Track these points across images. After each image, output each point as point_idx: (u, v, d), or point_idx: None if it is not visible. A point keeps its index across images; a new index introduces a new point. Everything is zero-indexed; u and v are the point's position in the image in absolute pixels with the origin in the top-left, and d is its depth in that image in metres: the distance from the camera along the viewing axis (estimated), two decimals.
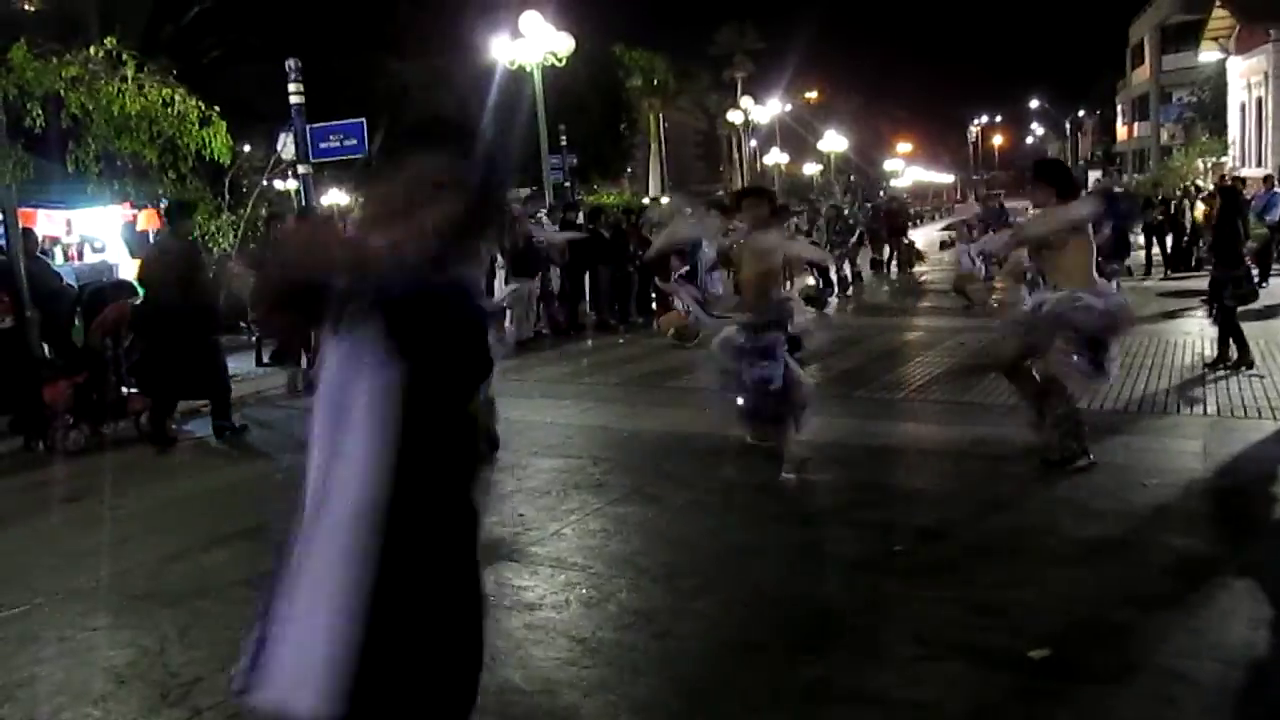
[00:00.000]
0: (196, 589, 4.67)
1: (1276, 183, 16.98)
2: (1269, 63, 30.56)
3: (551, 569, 4.73)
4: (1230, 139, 33.75)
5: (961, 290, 14.66)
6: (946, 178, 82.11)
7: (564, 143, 23.41)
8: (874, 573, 4.52)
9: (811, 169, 51.54)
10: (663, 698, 3.49)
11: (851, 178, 54.45)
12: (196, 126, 9.54)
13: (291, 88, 10.99)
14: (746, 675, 3.62)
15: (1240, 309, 8.67)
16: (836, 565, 4.67)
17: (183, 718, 3.46)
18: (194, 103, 9.53)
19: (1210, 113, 35.75)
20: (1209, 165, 31.09)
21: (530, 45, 17.23)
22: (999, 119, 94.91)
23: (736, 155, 48.53)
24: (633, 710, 3.40)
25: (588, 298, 14.39)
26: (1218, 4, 33.41)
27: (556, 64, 17.64)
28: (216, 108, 9.80)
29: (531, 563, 4.84)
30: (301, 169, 11.78)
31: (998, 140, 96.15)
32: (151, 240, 10.81)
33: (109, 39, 9.29)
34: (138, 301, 8.22)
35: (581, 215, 15.65)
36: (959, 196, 54.49)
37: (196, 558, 5.14)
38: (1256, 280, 9.01)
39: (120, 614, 4.43)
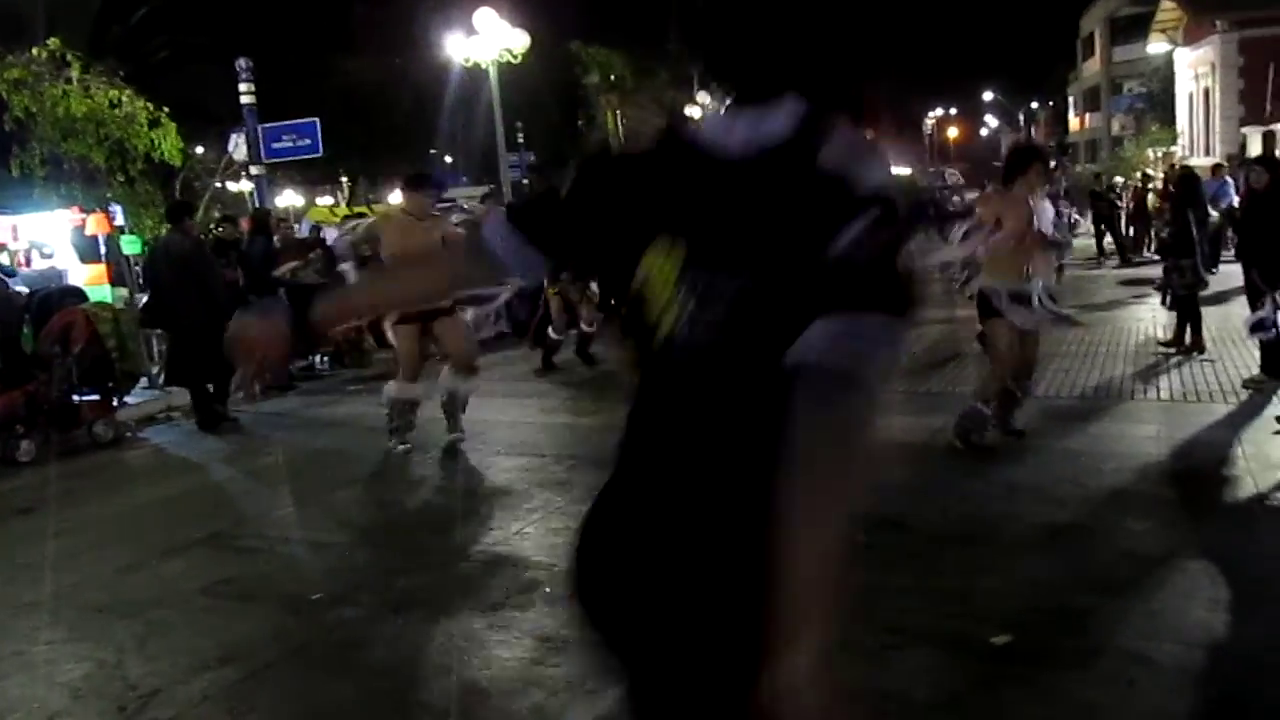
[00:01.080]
0: (154, 599, 4.59)
1: (1226, 172, 17.30)
2: (1215, 54, 31.12)
3: (515, 568, 4.70)
4: (1179, 129, 34.32)
5: None
6: (904, 171, 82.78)
7: (521, 140, 23.35)
8: (841, 564, 4.53)
9: None
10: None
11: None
12: (145, 128, 9.41)
13: (243, 87, 10.87)
14: None
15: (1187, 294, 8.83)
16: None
17: None
18: (142, 104, 9.39)
19: (1160, 103, 36.34)
20: (1159, 155, 31.57)
21: (485, 43, 17.14)
22: (954, 112, 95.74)
23: None
24: (599, 707, 3.38)
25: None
26: None
27: (512, 61, 17.56)
28: (166, 109, 9.67)
29: (495, 562, 4.80)
30: (254, 170, 11.65)
31: (953, 133, 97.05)
32: (111, 242, 10.62)
33: (53, 40, 9.14)
34: (86, 306, 8.12)
35: None
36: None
37: (153, 567, 5.05)
38: (1206, 268, 9.12)
39: (76, 626, 4.34)
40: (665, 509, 1.47)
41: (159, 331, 9.96)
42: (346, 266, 7.30)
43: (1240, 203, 12.28)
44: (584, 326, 10.29)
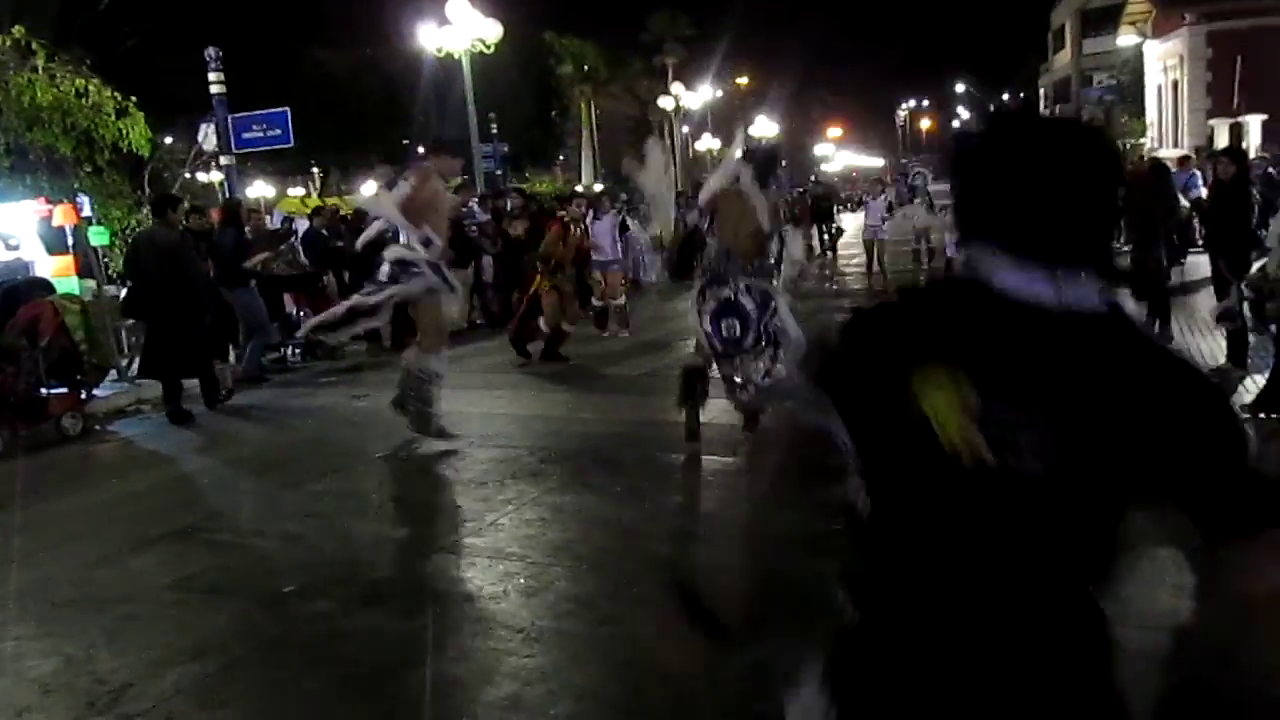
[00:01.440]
0: (124, 594, 4.55)
1: (1194, 164, 17.47)
2: (1184, 46, 31.41)
3: (489, 559, 4.70)
4: (1149, 120, 34.64)
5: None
6: (877, 161, 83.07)
7: (495, 131, 23.27)
8: (813, 553, 4.55)
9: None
10: (603, 684, 3.48)
11: (784, 162, 54.86)
12: (113, 118, 9.30)
13: (212, 77, 10.76)
14: (686, 659, 3.62)
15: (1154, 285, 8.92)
16: (776, 546, 4.70)
17: None
18: (109, 93, 9.27)
19: (1129, 95, 36.67)
20: (1128, 146, 31.86)
21: (458, 33, 17.03)
22: (926, 103, 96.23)
23: (669, 141, 48.63)
24: (573, 698, 3.39)
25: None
26: None
27: (485, 52, 17.46)
28: (134, 98, 9.55)
29: (469, 553, 4.80)
30: (224, 160, 11.54)
31: (925, 124, 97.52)
32: (79, 233, 10.49)
33: (18, 28, 8.99)
34: (54, 298, 8.03)
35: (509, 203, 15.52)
36: (887, 180, 55.23)
37: (123, 562, 5.01)
38: (1171, 260, 9.21)
39: (45, 621, 4.30)
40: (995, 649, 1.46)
41: (129, 323, 9.87)
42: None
43: (1208, 194, 12.42)
44: (566, 325, 10.24)
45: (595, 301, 12.11)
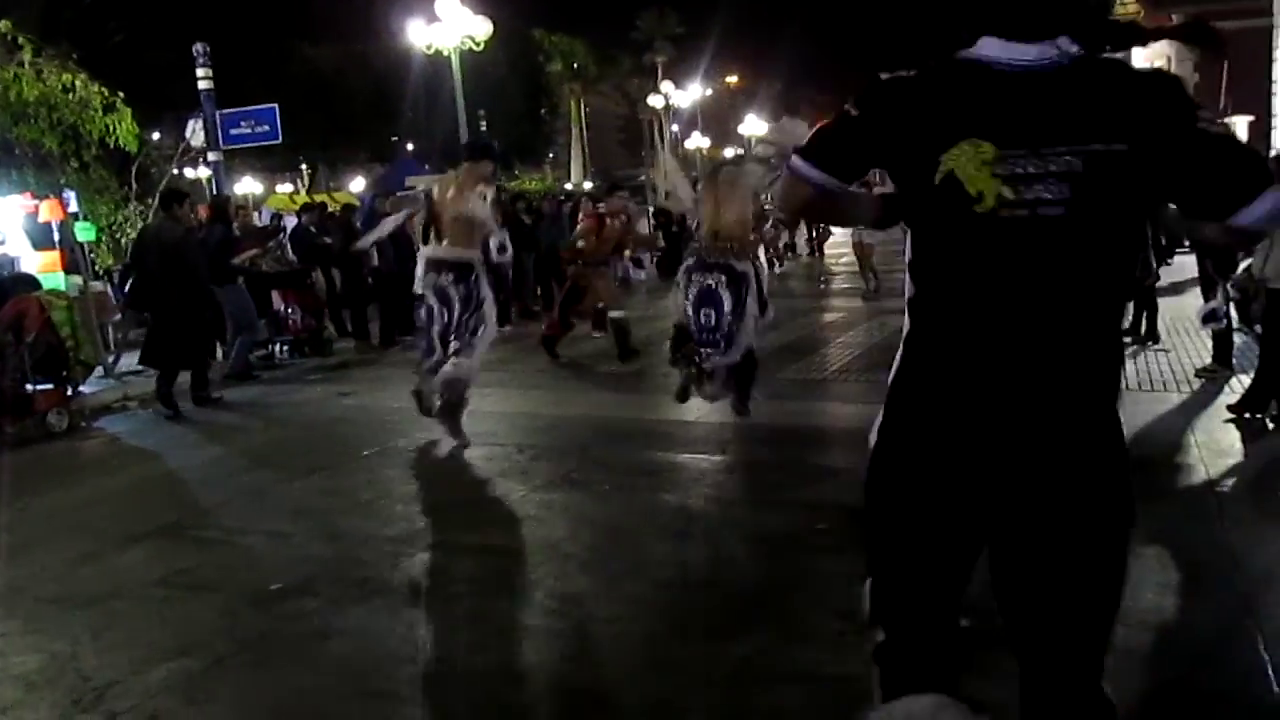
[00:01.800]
0: (110, 590, 4.53)
1: None
2: (1171, 47, 31.42)
3: (477, 557, 4.70)
4: None
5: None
6: None
7: (484, 128, 23.21)
8: (799, 551, 4.58)
9: (732, 153, 51.82)
10: (591, 682, 3.48)
11: (772, 161, 54.81)
12: (100, 113, 9.27)
13: (200, 73, 10.71)
14: (674, 657, 3.64)
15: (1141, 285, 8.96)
16: (762, 545, 4.71)
17: None
18: (97, 88, 9.24)
19: None
20: None
21: (447, 29, 16.98)
22: None
23: (658, 140, 48.62)
24: (562, 696, 3.39)
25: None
26: None
27: (475, 49, 17.42)
28: (121, 93, 9.51)
29: (457, 552, 4.80)
30: (212, 156, 11.49)
31: None
32: (65, 228, 10.44)
33: (4, 22, 8.94)
34: (39, 294, 8.00)
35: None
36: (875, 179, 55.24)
37: (109, 558, 4.99)
38: (1159, 260, 9.25)
39: (29, 618, 4.28)
40: (1030, 388, 1.76)
41: (116, 319, 9.83)
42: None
43: None
44: (614, 312, 10.12)
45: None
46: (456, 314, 6.46)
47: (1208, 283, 7.53)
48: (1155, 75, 1.78)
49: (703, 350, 6.34)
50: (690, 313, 6.34)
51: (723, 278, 6.23)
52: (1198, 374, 7.59)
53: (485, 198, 6.67)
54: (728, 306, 6.21)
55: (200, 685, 3.58)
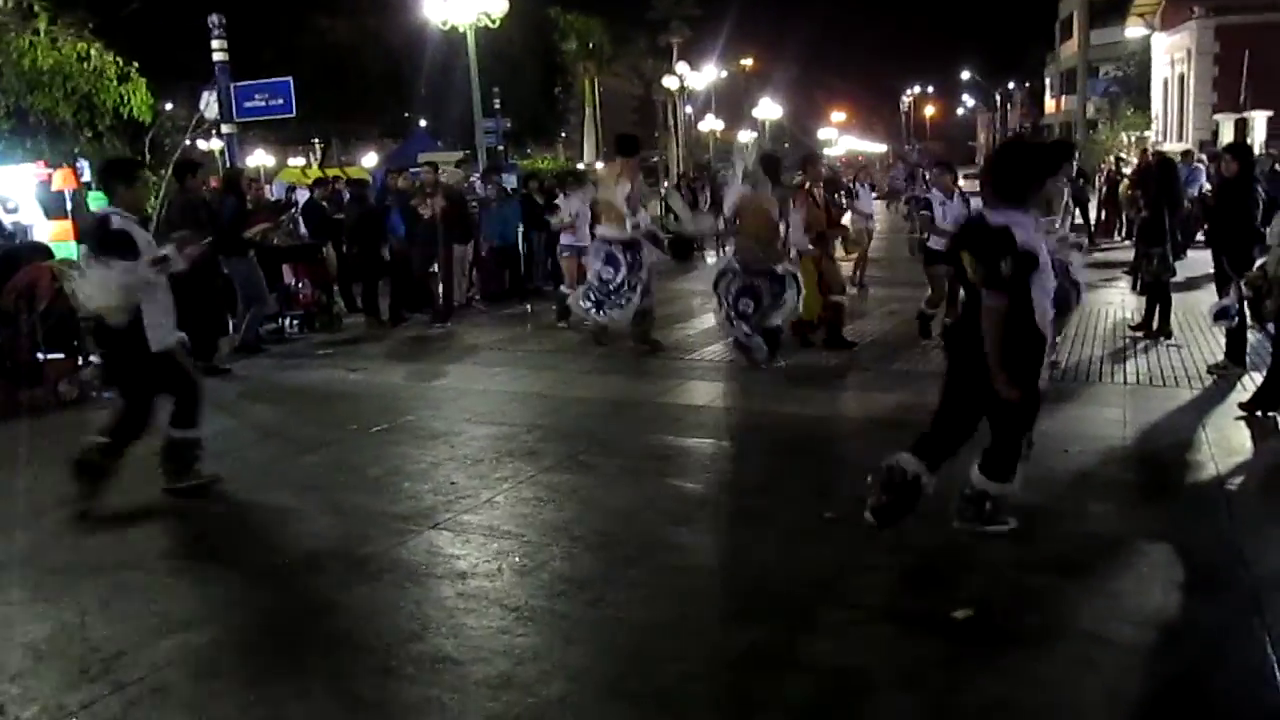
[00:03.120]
0: (119, 560, 4.56)
1: (1196, 158, 17.42)
2: (1191, 40, 31.29)
3: (484, 537, 4.71)
4: (1153, 114, 34.53)
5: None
6: (880, 147, 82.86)
7: (498, 106, 23.10)
8: (805, 540, 4.58)
9: (746, 136, 51.58)
10: (596, 665, 3.49)
11: (786, 145, 54.61)
12: (115, 83, 9.25)
13: (215, 44, 10.67)
14: (679, 643, 3.64)
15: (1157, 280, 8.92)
16: (769, 533, 4.71)
17: (104, 693, 3.37)
18: (111, 58, 9.22)
19: (1135, 87, 36.52)
20: (1133, 139, 31.78)
21: (463, 6, 16.89)
22: (931, 90, 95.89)
23: (672, 121, 48.33)
24: (566, 678, 3.40)
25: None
26: None
27: (490, 26, 17.33)
28: (136, 64, 9.49)
29: (464, 531, 4.80)
30: (225, 128, 11.46)
31: (930, 111, 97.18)
32: (78, 198, 10.45)
33: None
34: (51, 263, 8.00)
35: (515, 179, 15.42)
36: (890, 162, 54.83)
37: (118, 529, 5.01)
38: (1175, 256, 9.16)
39: (38, 587, 4.30)
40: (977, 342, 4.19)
41: None
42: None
43: (1212, 190, 12.38)
44: (835, 296, 9.38)
45: (564, 289, 10.94)
46: (622, 275, 8.84)
47: (1223, 278, 7.48)
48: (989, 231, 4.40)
49: (739, 331, 8.23)
50: (729, 301, 8.19)
51: (764, 277, 8.12)
52: (1210, 371, 7.55)
53: (631, 184, 8.76)
54: (765, 294, 8.11)
55: (207, 658, 3.61)
